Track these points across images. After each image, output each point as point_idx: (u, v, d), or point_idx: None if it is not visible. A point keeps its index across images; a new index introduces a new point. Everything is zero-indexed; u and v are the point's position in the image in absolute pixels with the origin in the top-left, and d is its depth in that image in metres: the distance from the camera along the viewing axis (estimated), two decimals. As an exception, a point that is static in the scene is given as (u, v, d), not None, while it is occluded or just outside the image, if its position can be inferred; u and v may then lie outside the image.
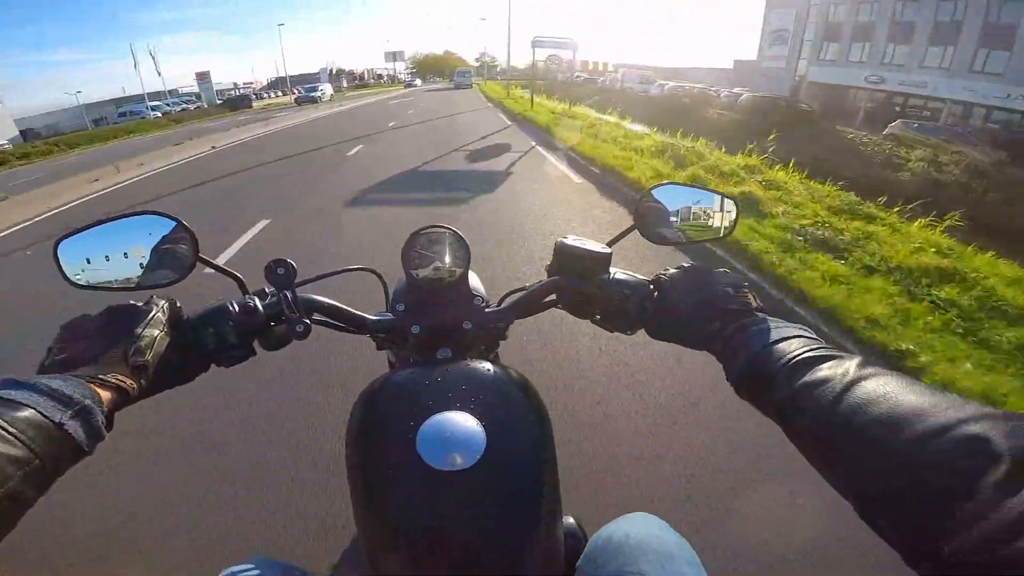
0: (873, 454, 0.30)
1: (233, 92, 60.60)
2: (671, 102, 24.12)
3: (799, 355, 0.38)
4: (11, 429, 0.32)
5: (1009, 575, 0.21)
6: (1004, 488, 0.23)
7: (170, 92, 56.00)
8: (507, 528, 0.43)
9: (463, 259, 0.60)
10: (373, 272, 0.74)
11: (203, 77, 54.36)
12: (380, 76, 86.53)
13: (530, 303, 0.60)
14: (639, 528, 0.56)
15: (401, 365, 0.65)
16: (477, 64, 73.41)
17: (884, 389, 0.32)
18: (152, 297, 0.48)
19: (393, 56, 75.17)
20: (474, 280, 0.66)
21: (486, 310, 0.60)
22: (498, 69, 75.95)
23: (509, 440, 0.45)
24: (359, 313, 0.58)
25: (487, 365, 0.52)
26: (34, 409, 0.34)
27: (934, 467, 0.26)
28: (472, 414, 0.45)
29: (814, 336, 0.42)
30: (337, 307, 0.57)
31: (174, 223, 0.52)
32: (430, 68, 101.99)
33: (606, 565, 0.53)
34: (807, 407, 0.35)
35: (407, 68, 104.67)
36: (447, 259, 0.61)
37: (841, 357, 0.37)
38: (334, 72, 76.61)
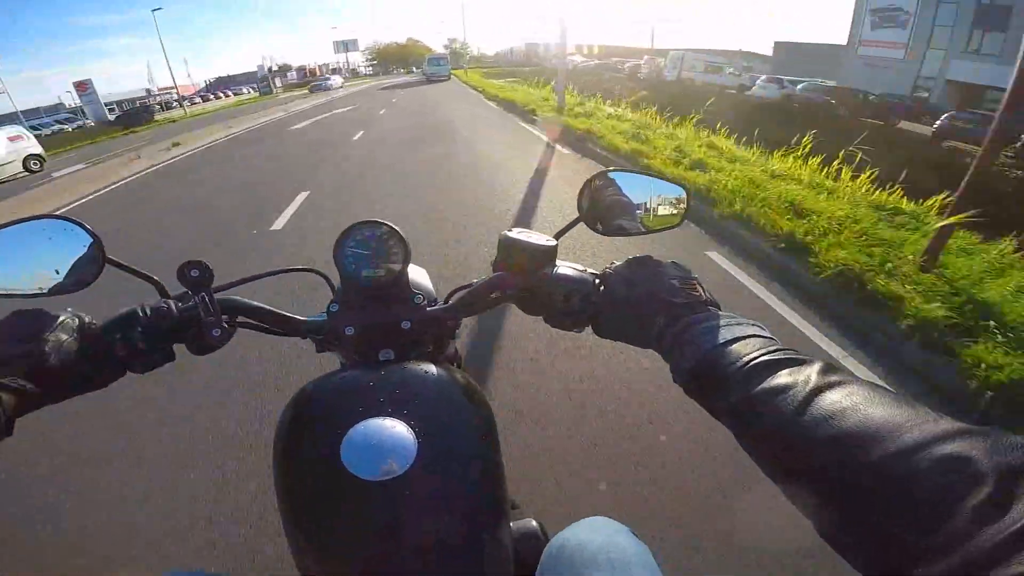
0: (841, 468, 0.28)
1: (147, 101, 45.65)
2: (833, 121, 12.67)
3: (756, 357, 0.36)
4: None
5: None
6: (985, 511, 0.22)
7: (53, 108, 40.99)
8: (442, 537, 0.42)
9: (401, 255, 0.58)
10: (317, 273, 0.69)
11: (84, 87, 38.82)
12: (335, 71, 71.62)
13: (475, 300, 0.58)
14: (595, 534, 0.54)
15: (341, 368, 0.60)
16: (446, 52, 60.01)
17: (852, 400, 0.30)
18: (66, 310, 0.47)
19: (344, 46, 59.98)
20: (420, 277, 0.64)
21: (427, 308, 0.58)
22: (467, 58, 63.14)
23: (444, 445, 0.44)
24: (289, 315, 0.56)
25: (425, 366, 0.50)
26: None
27: (910, 485, 0.25)
28: (403, 419, 0.43)
29: (771, 335, 0.39)
30: (262, 308, 0.55)
31: (76, 227, 0.50)
32: (392, 58, 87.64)
33: (561, 575, 0.51)
34: (765, 414, 0.33)
35: (366, 60, 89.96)
36: (383, 255, 0.58)
37: (802, 361, 0.35)
38: (272, 68, 61.34)
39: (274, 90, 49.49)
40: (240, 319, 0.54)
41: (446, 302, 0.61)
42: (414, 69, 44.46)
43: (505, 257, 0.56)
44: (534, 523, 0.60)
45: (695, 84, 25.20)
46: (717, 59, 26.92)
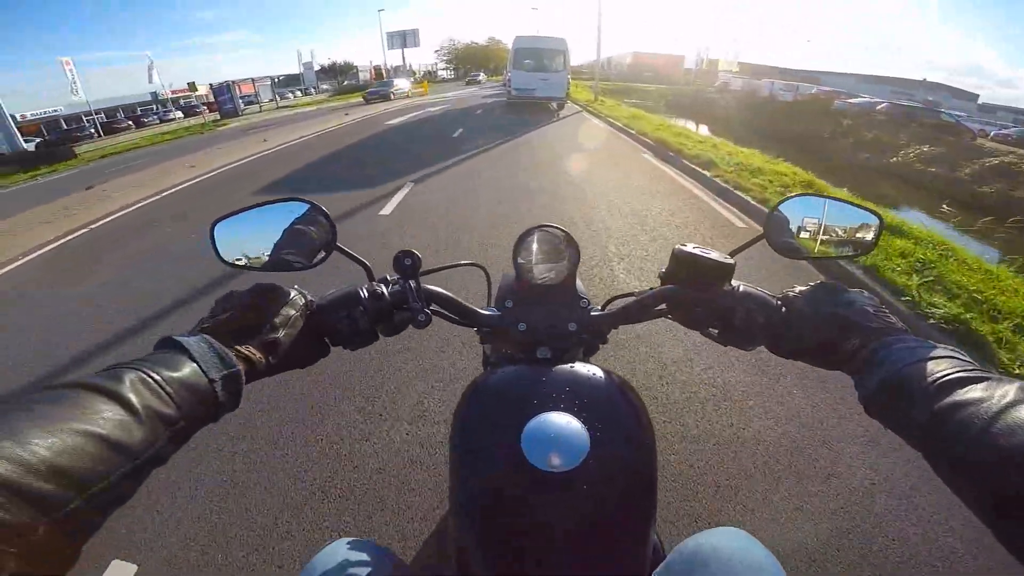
0: None
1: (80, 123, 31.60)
2: None
3: (948, 375, 0.35)
4: (168, 389, 0.33)
5: None
6: None
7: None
8: (599, 534, 0.44)
9: (572, 260, 0.60)
10: (480, 267, 0.76)
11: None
12: (394, 72, 55.28)
13: (638, 310, 0.59)
14: (726, 543, 0.53)
15: (501, 361, 0.65)
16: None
17: None
18: (293, 287, 0.50)
19: (402, 38, 42.15)
20: (578, 282, 0.67)
21: (592, 313, 0.60)
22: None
23: (612, 445, 0.46)
24: (471, 307, 0.60)
25: (593, 368, 0.53)
26: (197, 365, 0.36)
27: None
28: (576, 416, 0.46)
29: (967, 358, 0.38)
30: (453, 299, 0.59)
31: (317, 210, 0.55)
32: (471, 60, 70.36)
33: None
34: (954, 429, 0.32)
35: (442, 60, 73.65)
36: (557, 259, 0.60)
37: (999, 379, 0.34)
38: (321, 66, 45.84)
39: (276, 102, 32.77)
40: (434, 307, 0.57)
41: (602, 309, 0.63)
42: (504, 80, 20.31)
43: (678, 270, 0.56)
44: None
45: None
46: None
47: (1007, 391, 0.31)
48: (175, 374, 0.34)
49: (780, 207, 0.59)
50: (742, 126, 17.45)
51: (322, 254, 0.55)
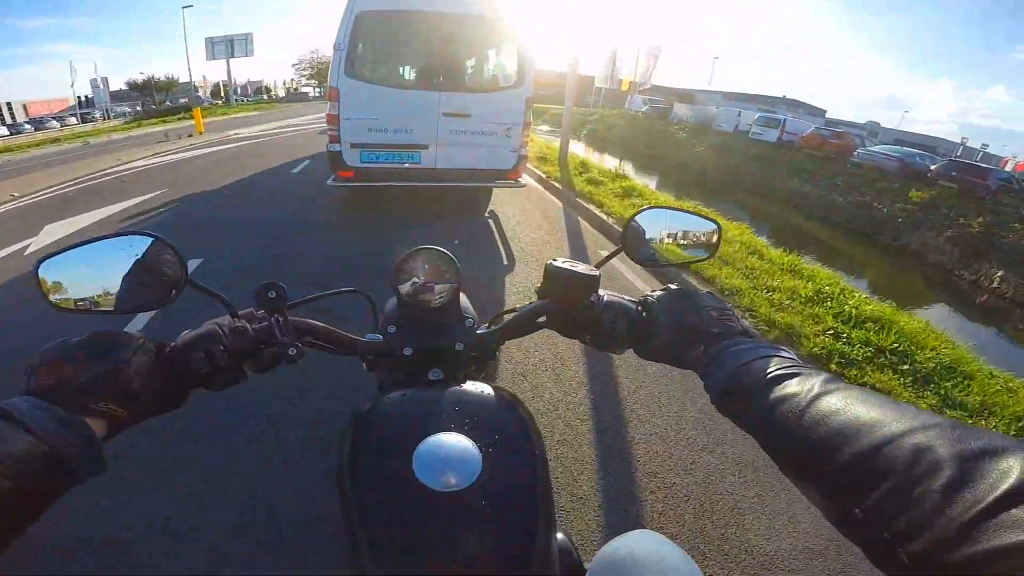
0: (833, 462, 0.32)
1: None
2: None
3: (772, 372, 0.42)
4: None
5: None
6: (950, 492, 0.25)
7: None
8: (503, 548, 0.45)
9: (453, 280, 0.62)
10: (362, 294, 0.74)
11: None
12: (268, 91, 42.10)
13: (520, 324, 0.63)
14: (642, 546, 0.57)
15: (392, 386, 0.63)
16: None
17: (843, 403, 0.35)
18: (137, 330, 0.48)
19: (229, 46, 29.50)
20: (464, 301, 0.69)
21: (477, 331, 0.62)
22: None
23: (503, 461, 0.47)
24: (350, 335, 0.60)
25: (480, 387, 0.55)
26: (30, 434, 0.34)
27: (887, 473, 0.28)
28: (467, 435, 0.47)
29: (790, 355, 0.45)
30: (328, 329, 0.59)
31: (162, 244, 0.51)
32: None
33: None
34: (777, 422, 0.38)
35: (303, 76, 60.61)
36: (439, 279, 0.62)
37: (809, 374, 0.40)
38: (93, 85, 31.31)
39: None
40: (307, 339, 0.57)
41: (489, 325, 0.65)
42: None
43: (551, 285, 0.59)
44: (561, 535, 0.62)
45: None
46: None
47: (813, 385, 0.37)
48: (10, 448, 0.32)
49: (634, 220, 0.64)
50: (728, 181, 11.13)
51: (173, 292, 0.51)
